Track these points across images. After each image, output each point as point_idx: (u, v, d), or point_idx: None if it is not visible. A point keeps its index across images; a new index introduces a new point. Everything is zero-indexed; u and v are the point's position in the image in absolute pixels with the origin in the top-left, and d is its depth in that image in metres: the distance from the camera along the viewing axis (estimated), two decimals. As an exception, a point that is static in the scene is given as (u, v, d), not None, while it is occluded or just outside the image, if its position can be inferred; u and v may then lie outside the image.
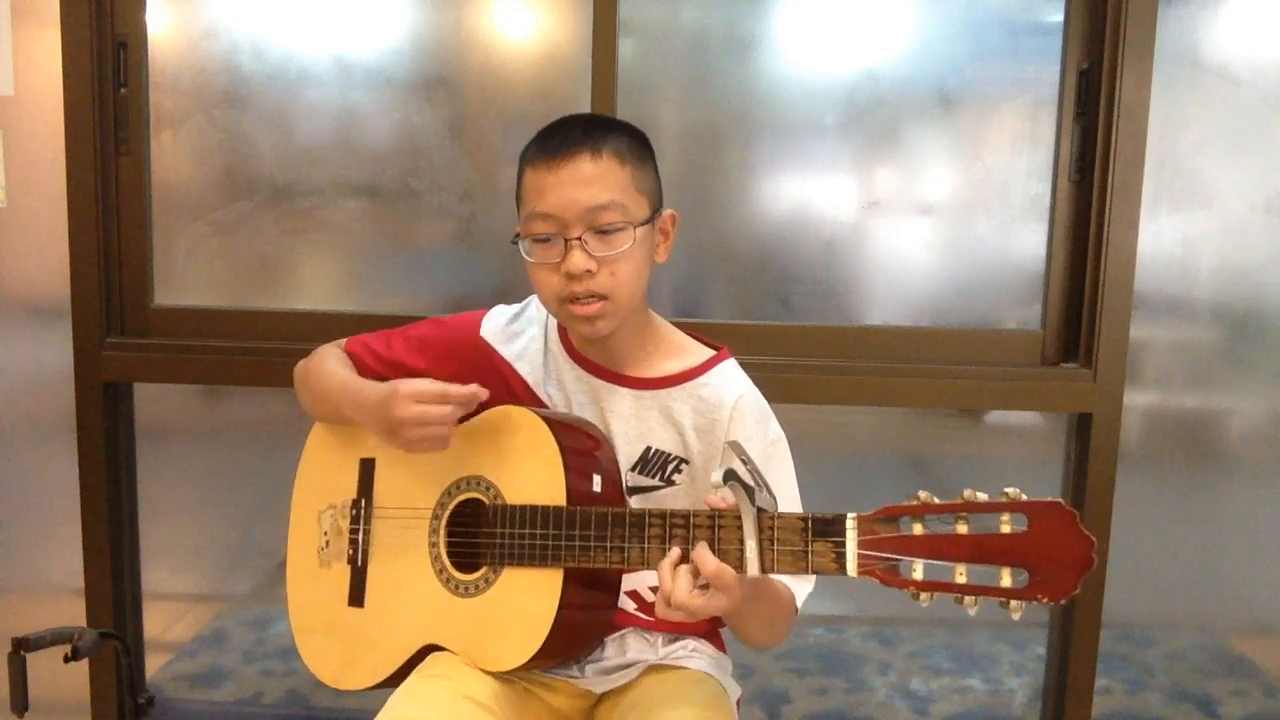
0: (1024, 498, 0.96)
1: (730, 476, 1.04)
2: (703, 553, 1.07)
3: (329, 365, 1.42)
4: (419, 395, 1.23)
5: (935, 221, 1.89)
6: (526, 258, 1.26)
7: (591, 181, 1.22)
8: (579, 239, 1.22)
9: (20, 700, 1.52)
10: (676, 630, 1.37)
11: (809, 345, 1.87)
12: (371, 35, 1.90)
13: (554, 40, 1.88)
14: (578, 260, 1.21)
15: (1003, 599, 0.96)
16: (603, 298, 1.24)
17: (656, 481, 1.33)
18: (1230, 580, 1.95)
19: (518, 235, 1.27)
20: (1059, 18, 1.80)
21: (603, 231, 1.22)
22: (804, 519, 1.06)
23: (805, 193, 1.90)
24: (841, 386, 1.82)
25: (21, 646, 1.49)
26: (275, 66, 1.92)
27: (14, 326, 1.97)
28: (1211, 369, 1.89)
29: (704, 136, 1.90)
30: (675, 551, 1.10)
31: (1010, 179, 1.86)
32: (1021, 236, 1.87)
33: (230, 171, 1.95)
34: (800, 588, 1.26)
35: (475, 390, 1.25)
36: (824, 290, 1.90)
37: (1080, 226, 1.82)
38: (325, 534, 1.44)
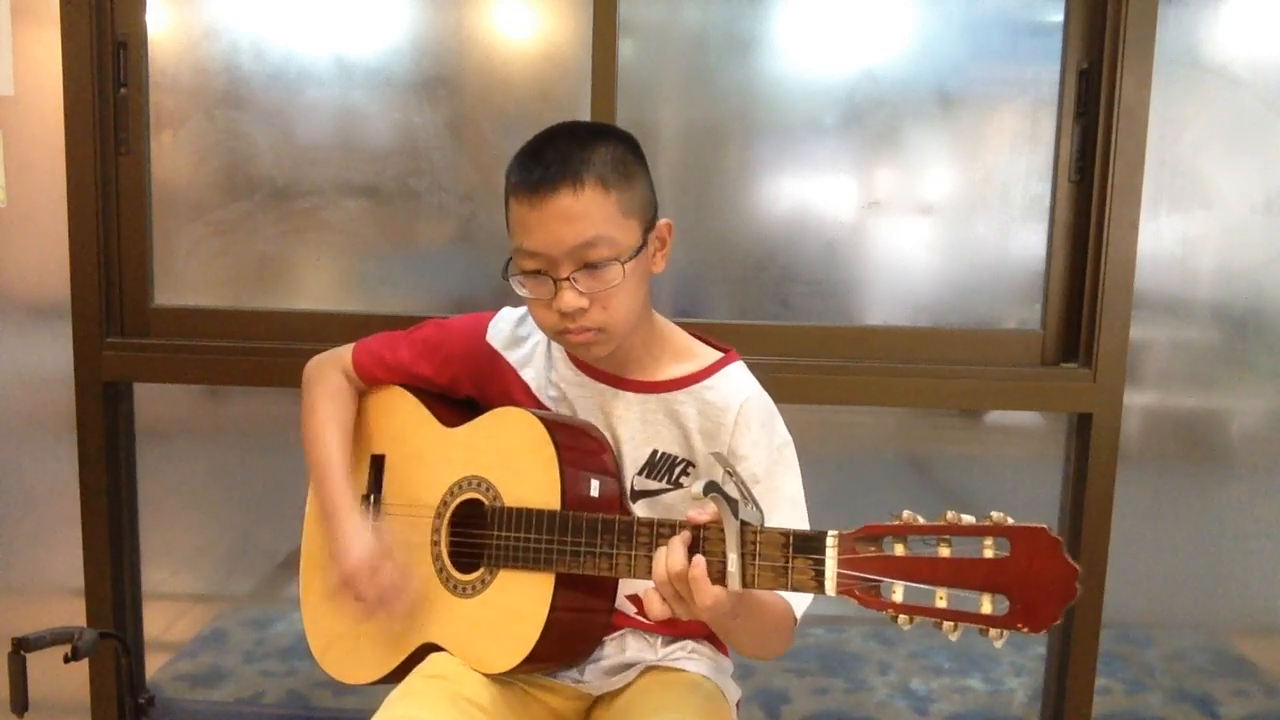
0: (1009, 522, 0.93)
1: (711, 488, 1.03)
2: (677, 551, 1.07)
3: (326, 428, 1.40)
4: (357, 589, 1.30)
5: (935, 221, 1.89)
6: (520, 292, 1.25)
7: (575, 219, 1.18)
8: (568, 279, 1.19)
9: (20, 700, 1.52)
10: (675, 632, 1.37)
11: (809, 345, 1.87)
12: (371, 35, 1.90)
13: (554, 40, 1.88)
14: (569, 300, 1.20)
15: (982, 626, 0.94)
16: (597, 329, 1.23)
17: (664, 484, 1.32)
18: (1230, 580, 1.94)
19: (508, 263, 1.25)
20: (1059, 18, 1.80)
21: (592, 265, 1.20)
22: (785, 534, 1.04)
23: (805, 193, 1.90)
24: (841, 386, 1.82)
25: (21, 646, 1.49)
26: (275, 66, 1.92)
27: (14, 326, 1.97)
28: (1211, 369, 1.89)
29: (704, 137, 1.90)
30: (686, 535, 1.09)
31: (1010, 179, 1.86)
32: (1021, 236, 1.87)
33: (230, 171, 1.95)
34: (800, 598, 1.25)
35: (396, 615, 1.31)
36: (824, 290, 1.90)
37: (1080, 226, 1.82)
38: None
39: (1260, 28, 1.80)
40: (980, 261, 1.90)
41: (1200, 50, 1.79)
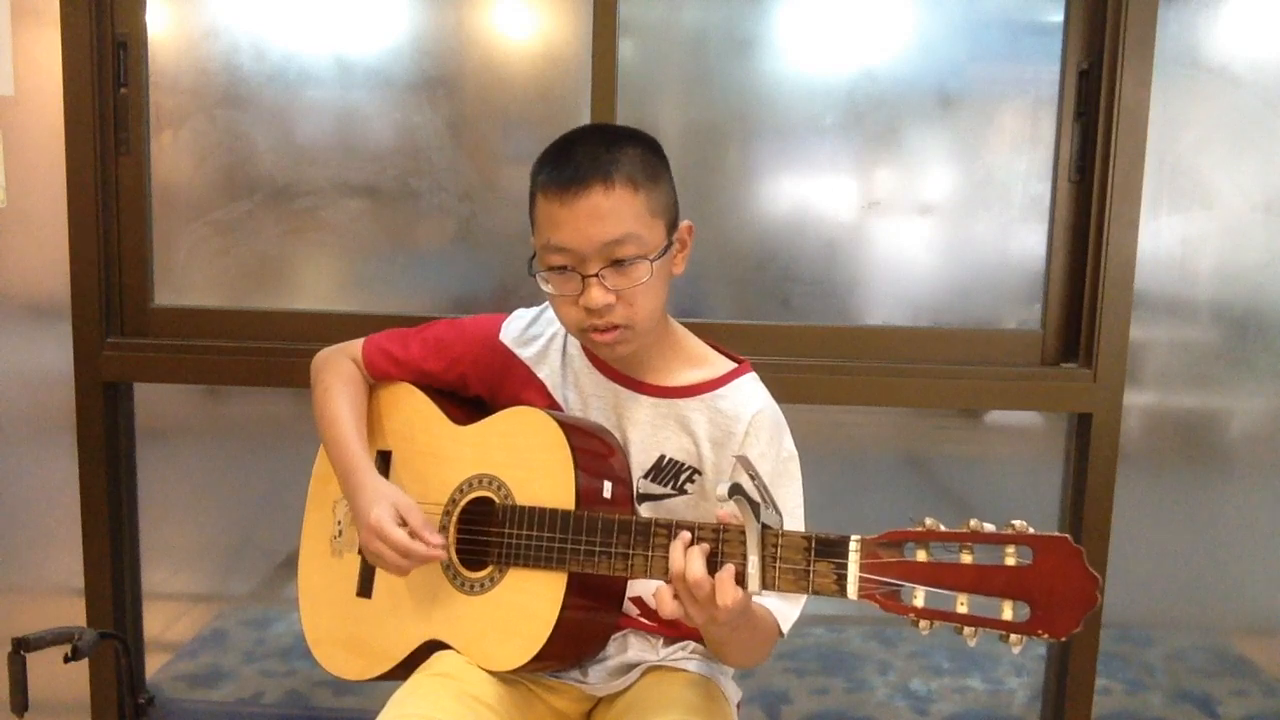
0: (1030, 530, 0.95)
1: (736, 491, 1.03)
2: (695, 559, 1.07)
3: (338, 403, 1.40)
4: (384, 535, 1.25)
5: (935, 221, 1.89)
6: (545, 288, 1.25)
7: (605, 216, 1.20)
8: (596, 275, 1.21)
9: (20, 700, 1.52)
10: (677, 633, 1.37)
11: (809, 345, 1.87)
12: (371, 35, 1.90)
13: (554, 40, 1.88)
14: (596, 296, 1.21)
15: (1003, 632, 0.95)
16: (623, 326, 1.24)
17: (668, 490, 1.33)
18: (1230, 580, 1.95)
19: (532, 259, 1.26)
20: (1059, 18, 1.80)
21: (619, 262, 1.21)
22: (808, 538, 1.05)
23: (805, 193, 1.90)
24: (841, 386, 1.82)
25: (21, 646, 1.50)
26: (275, 66, 1.92)
27: (14, 326, 1.97)
28: (1211, 369, 1.89)
29: (704, 137, 1.90)
30: (686, 535, 1.10)
31: (1010, 179, 1.86)
32: (1021, 236, 1.87)
33: (230, 171, 1.95)
34: (787, 613, 1.26)
35: (435, 554, 1.25)
36: (824, 290, 1.90)
37: (1080, 226, 1.82)
38: (339, 523, 1.45)
39: (1260, 28, 1.80)
40: (980, 261, 1.90)
41: (1200, 50, 1.79)
